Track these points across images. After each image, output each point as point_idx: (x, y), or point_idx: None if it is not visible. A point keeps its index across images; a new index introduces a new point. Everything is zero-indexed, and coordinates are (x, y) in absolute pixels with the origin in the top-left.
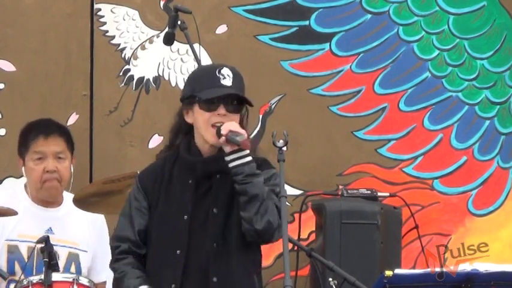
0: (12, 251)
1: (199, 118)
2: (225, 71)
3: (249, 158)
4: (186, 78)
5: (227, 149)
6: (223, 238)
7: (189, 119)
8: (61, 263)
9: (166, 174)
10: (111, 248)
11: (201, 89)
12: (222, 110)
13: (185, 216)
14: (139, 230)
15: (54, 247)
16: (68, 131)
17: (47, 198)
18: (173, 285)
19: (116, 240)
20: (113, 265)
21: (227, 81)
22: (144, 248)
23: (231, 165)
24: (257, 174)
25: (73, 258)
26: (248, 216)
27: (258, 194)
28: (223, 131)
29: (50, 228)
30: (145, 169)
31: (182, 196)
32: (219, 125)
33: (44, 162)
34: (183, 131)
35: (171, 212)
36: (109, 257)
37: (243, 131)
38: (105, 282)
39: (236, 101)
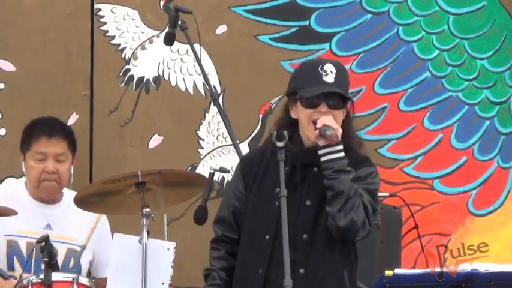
0: (12, 246)
1: (301, 115)
2: (328, 66)
3: (341, 154)
4: (293, 72)
5: (320, 143)
6: (314, 231)
7: (293, 114)
8: (60, 259)
9: (264, 162)
10: (213, 229)
11: (303, 86)
12: (323, 107)
13: (277, 203)
14: (234, 212)
15: (53, 243)
16: (71, 132)
17: (44, 197)
18: (260, 270)
19: (215, 222)
20: (210, 245)
21: (329, 78)
22: (237, 231)
23: (322, 159)
24: (347, 171)
25: (72, 254)
26: (332, 212)
27: (343, 190)
28: (318, 124)
29: (49, 224)
30: (248, 153)
31: (276, 183)
32: (316, 121)
33: (44, 162)
34: (287, 125)
35: (264, 197)
36: (109, 254)
37: (335, 126)
38: (105, 279)
39: (339, 98)
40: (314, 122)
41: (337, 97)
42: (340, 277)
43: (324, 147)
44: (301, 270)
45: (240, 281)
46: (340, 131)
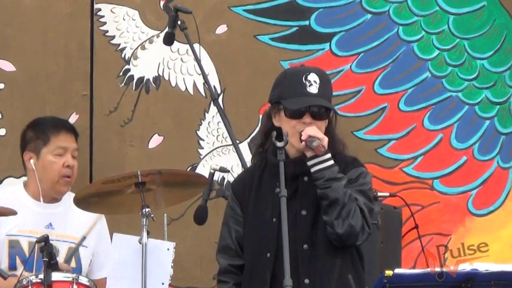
0: (14, 246)
1: (286, 125)
2: (312, 76)
3: (330, 162)
4: (276, 80)
5: (308, 154)
6: (313, 240)
7: (276, 122)
8: (61, 258)
9: (255, 179)
10: (217, 260)
11: (287, 97)
12: (307, 118)
13: (274, 219)
14: (237, 237)
15: (55, 242)
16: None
17: (55, 194)
18: None
19: (219, 252)
20: (217, 278)
21: (313, 89)
22: (242, 256)
23: (312, 170)
24: (338, 178)
25: (73, 253)
26: (329, 220)
27: (338, 198)
28: (303, 136)
29: (50, 223)
30: (238, 176)
31: (270, 199)
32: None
33: (63, 157)
34: (267, 131)
35: (261, 215)
36: (106, 256)
37: (321, 136)
38: (105, 278)
39: (323, 108)
40: (299, 133)
41: (321, 108)
42: (345, 282)
43: (312, 158)
44: (306, 281)
45: None
46: (326, 139)
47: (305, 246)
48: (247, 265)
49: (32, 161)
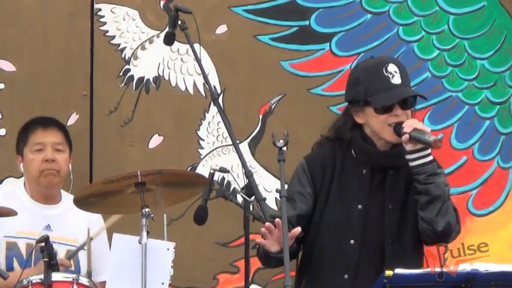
0: (11, 248)
1: (374, 120)
2: (391, 67)
3: (431, 157)
4: (353, 77)
5: (408, 147)
6: (398, 234)
7: (360, 119)
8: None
9: (338, 164)
10: None
11: (373, 93)
12: (398, 110)
13: (359, 206)
14: (299, 214)
15: (53, 244)
16: (65, 127)
17: (45, 191)
18: (346, 275)
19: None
20: None
21: (396, 79)
22: (301, 233)
23: (413, 164)
24: (438, 173)
25: (72, 257)
26: (428, 217)
27: (440, 194)
28: (407, 128)
29: (48, 225)
30: (313, 156)
31: (356, 186)
32: (393, 124)
33: (43, 152)
34: (350, 128)
35: (344, 201)
36: (107, 257)
37: (428, 129)
38: (104, 282)
39: (409, 97)
40: (391, 125)
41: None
42: None
43: (414, 151)
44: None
45: (323, 283)
46: (429, 130)
47: (391, 240)
48: (327, 249)
49: (21, 163)
